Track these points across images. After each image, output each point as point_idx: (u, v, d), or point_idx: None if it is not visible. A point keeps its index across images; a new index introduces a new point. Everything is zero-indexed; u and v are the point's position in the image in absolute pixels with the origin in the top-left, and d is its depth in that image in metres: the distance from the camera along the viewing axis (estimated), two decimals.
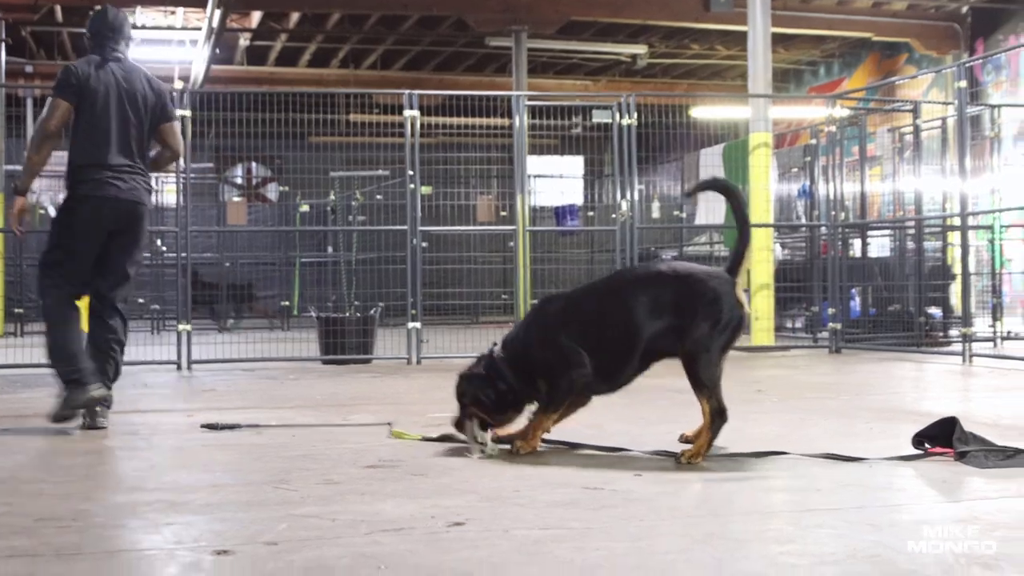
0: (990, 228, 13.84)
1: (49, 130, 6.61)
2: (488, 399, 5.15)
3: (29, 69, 22.28)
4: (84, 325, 6.57)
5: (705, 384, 4.94)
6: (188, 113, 11.05)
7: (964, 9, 19.65)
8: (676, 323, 5.01)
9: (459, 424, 5.21)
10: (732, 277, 5.07)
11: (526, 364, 5.19)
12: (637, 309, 5.08)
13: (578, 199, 22.41)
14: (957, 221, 11.59)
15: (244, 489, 4.33)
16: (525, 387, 5.19)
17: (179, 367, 10.87)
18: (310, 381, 9.52)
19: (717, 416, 4.92)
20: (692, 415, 5.05)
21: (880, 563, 3.08)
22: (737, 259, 5.14)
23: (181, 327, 11.06)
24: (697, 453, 4.85)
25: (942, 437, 4.88)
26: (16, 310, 17.56)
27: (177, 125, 6.97)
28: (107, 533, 3.55)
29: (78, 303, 6.60)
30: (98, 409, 6.31)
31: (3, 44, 18.47)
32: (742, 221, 5.26)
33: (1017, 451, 4.73)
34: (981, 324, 13.78)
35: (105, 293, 6.64)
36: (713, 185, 5.96)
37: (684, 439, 5.21)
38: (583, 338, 5.12)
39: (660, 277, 5.21)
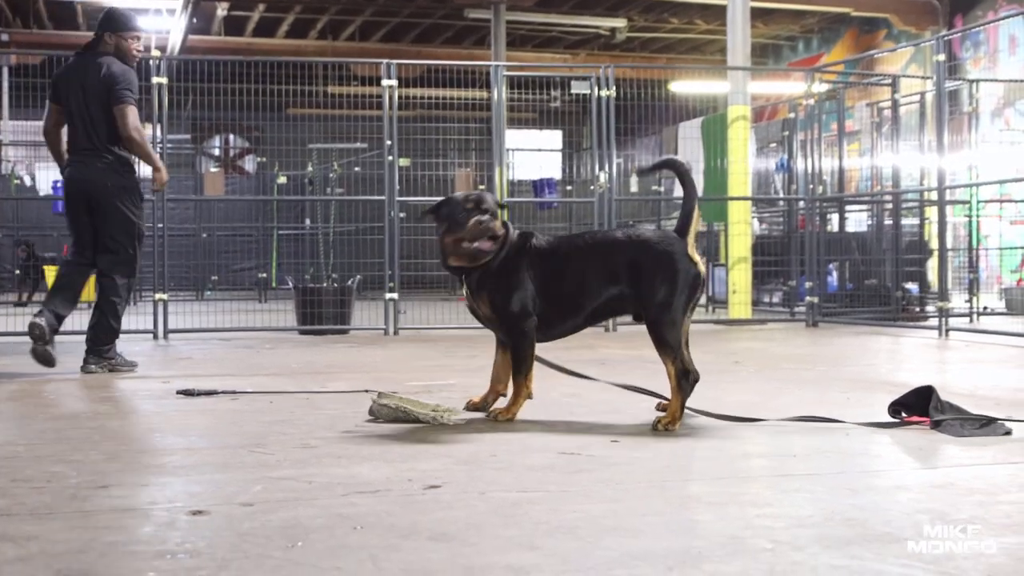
0: (967, 204, 13.88)
1: (45, 130, 7.83)
2: None
3: (4, 37, 22.13)
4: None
5: (669, 345, 4.96)
6: (164, 81, 10.98)
7: None
8: (631, 286, 5.08)
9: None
10: (683, 238, 5.10)
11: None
12: (592, 271, 5.16)
13: (556, 173, 22.41)
14: (935, 196, 11.60)
15: (220, 452, 4.31)
16: None
17: (155, 336, 10.83)
18: (286, 350, 9.50)
19: (682, 377, 4.95)
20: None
21: (856, 525, 3.08)
22: (686, 220, 5.16)
23: (157, 296, 11.02)
24: (672, 419, 4.87)
25: (918, 406, 4.89)
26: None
27: (123, 108, 7.44)
28: (81, 493, 3.52)
29: (89, 274, 7.77)
30: (37, 335, 7.16)
31: None
32: (688, 185, 5.30)
33: (991, 420, 4.74)
34: (958, 299, 13.84)
35: (98, 265, 7.62)
36: (666, 164, 5.92)
37: (661, 407, 5.23)
38: (540, 289, 5.19)
39: (615, 242, 5.22)
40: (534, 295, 5.17)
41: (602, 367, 7.42)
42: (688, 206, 5.19)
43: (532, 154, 22.06)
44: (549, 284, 5.21)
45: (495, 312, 5.21)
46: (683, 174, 5.45)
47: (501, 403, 5.30)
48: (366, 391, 5.93)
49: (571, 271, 5.21)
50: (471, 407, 5.36)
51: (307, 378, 7.06)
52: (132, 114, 7.45)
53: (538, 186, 19.01)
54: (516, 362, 5.18)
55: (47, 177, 20.22)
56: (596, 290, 5.16)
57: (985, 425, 4.68)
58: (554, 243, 5.35)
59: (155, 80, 10.96)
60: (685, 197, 5.26)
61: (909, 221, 14.55)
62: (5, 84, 21.66)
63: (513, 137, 19.94)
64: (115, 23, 7.68)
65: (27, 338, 7.33)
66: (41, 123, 7.91)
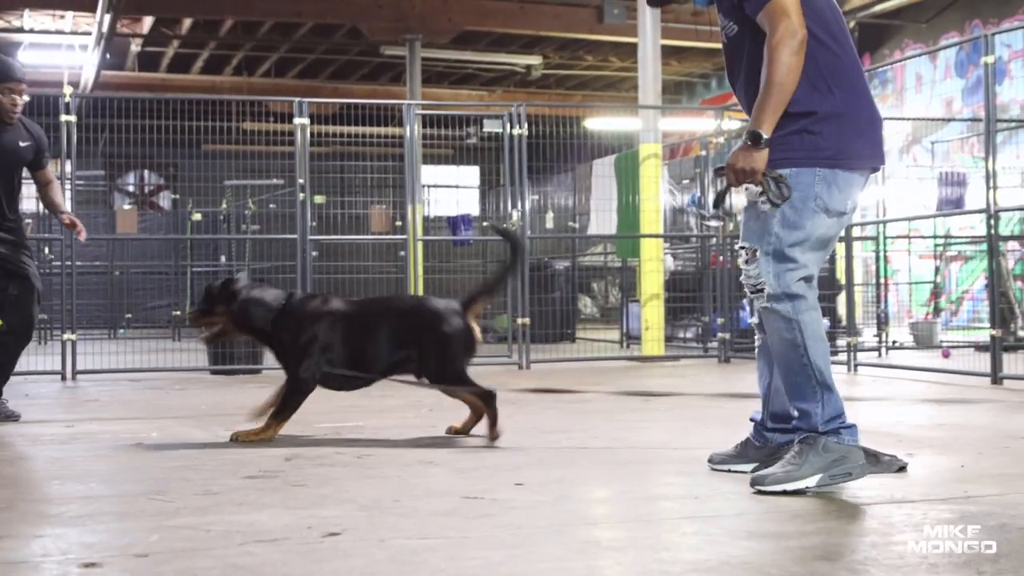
0: (875, 239, 14.07)
1: None
2: None
3: None
4: None
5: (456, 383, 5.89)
6: (73, 119, 10.87)
7: (851, 24, 19.97)
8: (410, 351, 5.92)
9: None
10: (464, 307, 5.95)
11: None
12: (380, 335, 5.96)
13: (474, 209, 22.44)
14: (843, 232, 11.76)
15: (119, 500, 4.26)
16: None
17: (63, 377, 10.67)
18: (196, 391, 9.41)
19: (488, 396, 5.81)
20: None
21: (751, 570, 3.10)
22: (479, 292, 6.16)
23: (66, 336, 10.86)
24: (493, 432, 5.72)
25: None
26: None
27: None
28: None
29: None
30: None
31: None
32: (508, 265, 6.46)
33: (883, 456, 4.75)
34: (868, 334, 14.01)
35: None
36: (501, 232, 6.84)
37: (453, 431, 6.04)
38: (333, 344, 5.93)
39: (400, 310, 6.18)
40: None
41: (513, 404, 7.42)
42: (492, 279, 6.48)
43: (449, 190, 22.05)
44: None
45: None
46: (515, 249, 6.43)
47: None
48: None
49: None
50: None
51: (214, 420, 6.99)
52: None
53: (454, 223, 19.03)
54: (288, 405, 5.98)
55: None
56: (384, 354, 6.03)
57: (879, 462, 4.71)
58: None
59: (64, 118, 10.84)
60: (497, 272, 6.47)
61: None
62: None
63: (430, 173, 19.95)
64: None
65: None
66: None
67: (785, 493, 4.18)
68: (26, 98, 7.29)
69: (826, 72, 4.29)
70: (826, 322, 13.43)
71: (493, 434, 5.70)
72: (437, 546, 3.40)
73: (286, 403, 5.91)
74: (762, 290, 4.34)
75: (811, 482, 4.19)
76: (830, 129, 4.28)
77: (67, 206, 8.01)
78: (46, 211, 9.01)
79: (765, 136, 4.20)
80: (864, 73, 4.49)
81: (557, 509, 4.01)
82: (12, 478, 4.88)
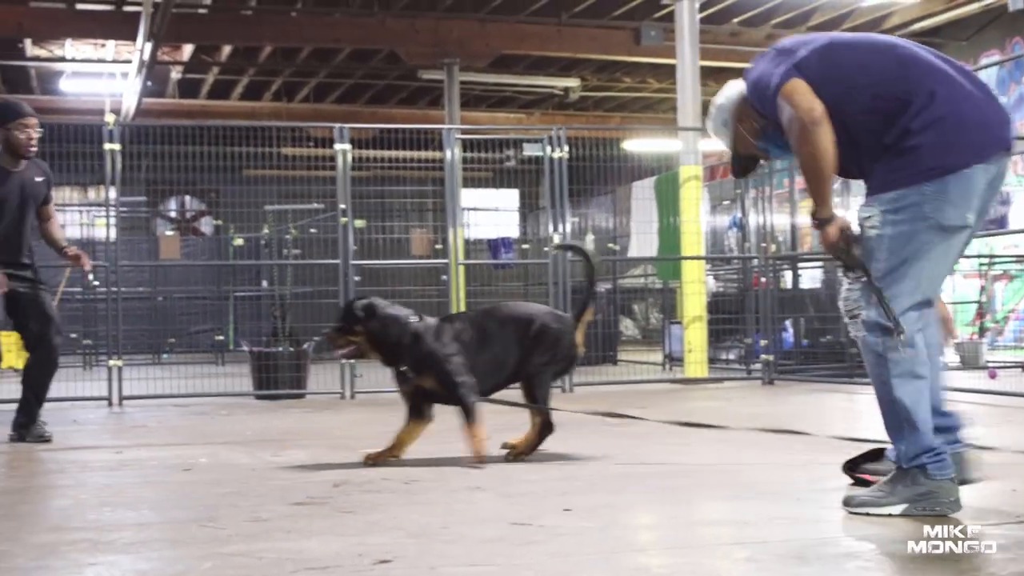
0: None
1: None
2: None
3: None
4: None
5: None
6: (118, 147, 10.95)
7: None
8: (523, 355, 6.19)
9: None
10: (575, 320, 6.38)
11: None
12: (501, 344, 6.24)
13: (513, 232, 22.48)
14: None
15: (170, 527, 4.29)
16: None
17: (110, 403, 10.74)
18: (242, 417, 9.45)
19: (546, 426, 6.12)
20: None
21: None
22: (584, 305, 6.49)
23: (112, 362, 10.94)
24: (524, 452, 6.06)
25: (870, 465, 4.91)
26: None
27: None
28: (29, 575, 3.49)
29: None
30: None
31: None
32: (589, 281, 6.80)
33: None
34: None
35: None
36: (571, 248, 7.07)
37: (507, 446, 6.20)
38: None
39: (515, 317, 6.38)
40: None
41: (559, 429, 7.41)
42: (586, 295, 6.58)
43: (488, 214, 22.10)
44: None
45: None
46: (589, 265, 6.90)
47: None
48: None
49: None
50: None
51: (261, 446, 7.02)
52: None
53: (494, 246, 19.06)
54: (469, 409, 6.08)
55: None
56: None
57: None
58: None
59: (107, 147, 10.93)
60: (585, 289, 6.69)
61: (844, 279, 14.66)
62: None
63: (469, 196, 19.97)
64: None
65: None
66: None
67: (868, 515, 4.20)
68: (40, 131, 7.52)
69: (895, 97, 4.23)
70: None
71: (518, 452, 6.07)
72: (487, 573, 3.41)
73: (469, 408, 6.01)
74: (857, 316, 4.31)
75: (895, 510, 4.19)
76: (929, 138, 4.16)
77: (64, 235, 8.13)
78: (87, 238, 9.16)
79: (822, 217, 4.27)
80: (950, 64, 4.36)
81: (605, 535, 4.01)
82: (64, 506, 4.92)
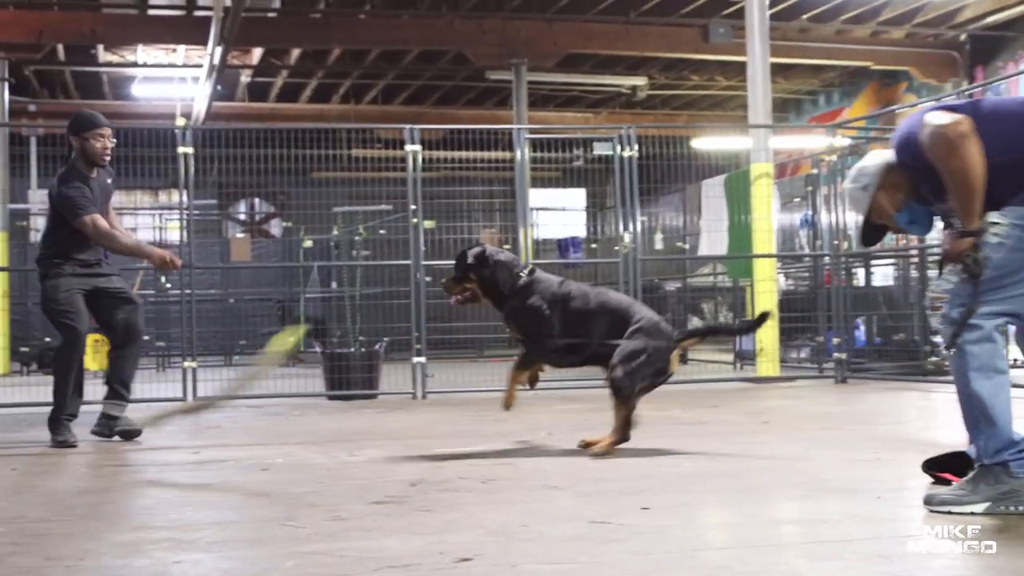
0: None
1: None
2: None
3: (32, 108, 22.37)
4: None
5: None
6: (191, 151, 11.06)
7: (963, 37, 19.69)
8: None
9: None
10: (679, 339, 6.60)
11: None
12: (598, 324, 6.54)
13: (581, 231, 22.44)
14: None
15: (251, 526, 4.33)
16: None
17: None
18: (315, 417, 9.51)
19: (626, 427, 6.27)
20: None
21: None
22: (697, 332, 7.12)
23: (186, 364, 11.06)
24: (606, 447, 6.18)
25: (951, 467, 4.86)
26: (22, 348, 17.58)
27: (78, 225, 7.52)
28: (115, 573, 3.54)
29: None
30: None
31: (6, 84, 18.53)
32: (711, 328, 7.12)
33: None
34: None
35: None
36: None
37: (585, 444, 6.39)
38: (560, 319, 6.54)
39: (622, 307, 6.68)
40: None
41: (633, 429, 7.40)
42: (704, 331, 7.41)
43: (556, 213, 22.08)
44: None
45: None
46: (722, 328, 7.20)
47: None
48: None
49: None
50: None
51: (336, 446, 7.06)
52: (88, 225, 7.50)
53: (563, 245, 19.06)
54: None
55: None
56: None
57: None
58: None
59: (180, 150, 11.05)
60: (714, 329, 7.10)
61: (936, 272, 14.48)
62: (34, 154, 21.87)
63: (537, 196, 19.98)
64: (74, 125, 7.69)
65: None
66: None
67: (951, 514, 4.16)
68: (114, 140, 7.82)
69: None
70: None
71: (597, 448, 6.21)
72: (569, 571, 3.41)
73: (526, 356, 6.56)
74: (939, 308, 4.29)
75: (977, 508, 4.15)
76: None
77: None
78: (160, 241, 9.33)
79: (969, 229, 4.22)
80: None
81: (686, 533, 4.00)
82: (146, 506, 4.98)
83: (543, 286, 6.62)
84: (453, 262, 6.98)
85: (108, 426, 7.65)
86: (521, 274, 6.65)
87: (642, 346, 6.32)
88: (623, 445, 6.18)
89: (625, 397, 6.25)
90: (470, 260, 6.65)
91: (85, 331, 7.67)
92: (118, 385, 7.73)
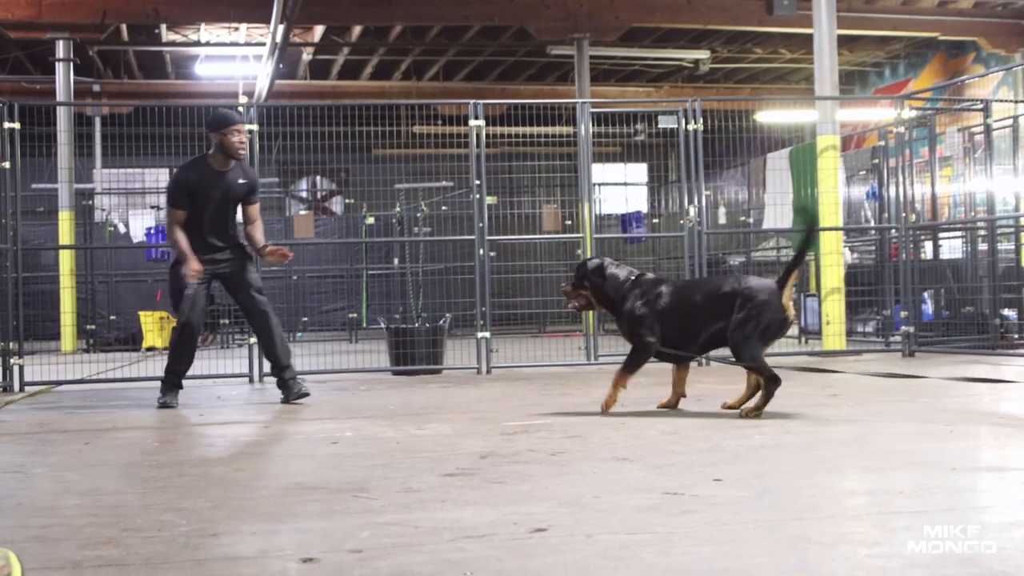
0: None
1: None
2: None
3: (96, 88, 22.58)
4: None
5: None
6: (255, 127, 11.10)
7: None
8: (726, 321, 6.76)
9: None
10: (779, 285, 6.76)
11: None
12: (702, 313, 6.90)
13: (643, 206, 22.36)
14: None
15: (325, 497, 4.34)
16: None
17: (251, 380, 10.92)
18: (381, 392, 9.55)
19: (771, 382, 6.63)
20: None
21: (970, 564, 3.03)
22: (786, 273, 6.87)
23: (252, 340, 11.13)
24: (757, 408, 6.60)
25: None
26: (88, 326, 17.78)
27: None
28: (192, 542, 3.57)
29: None
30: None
31: (71, 64, 18.71)
32: (804, 246, 7.17)
33: None
34: None
35: None
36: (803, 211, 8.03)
37: (727, 406, 6.94)
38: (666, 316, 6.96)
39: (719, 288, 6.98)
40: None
41: (698, 403, 7.38)
42: (792, 264, 6.99)
43: (618, 188, 22.00)
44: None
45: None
46: (810, 235, 7.43)
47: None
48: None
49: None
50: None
51: (405, 420, 7.09)
52: (167, 215, 8.53)
53: (625, 220, 19.02)
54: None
55: (140, 224, 20.53)
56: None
57: None
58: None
59: (245, 127, 11.08)
60: (797, 255, 7.07)
61: (1005, 246, 14.30)
62: (98, 134, 22.08)
63: (598, 171, 19.91)
64: (213, 123, 8.38)
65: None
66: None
67: None
68: (247, 138, 8.74)
69: None
70: (1014, 314, 13.08)
71: (754, 410, 6.57)
72: (646, 541, 3.40)
73: (628, 362, 6.99)
74: None
75: None
76: None
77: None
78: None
79: None
80: None
81: (761, 504, 3.97)
82: (220, 477, 5.01)
83: (641, 291, 7.03)
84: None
85: (286, 394, 8.52)
86: (628, 281, 7.11)
87: (749, 313, 6.64)
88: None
89: (753, 363, 6.66)
90: (589, 268, 7.22)
91: (196, 321, 8.38)
92: (271, 361, 8.59)
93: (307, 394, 8.55)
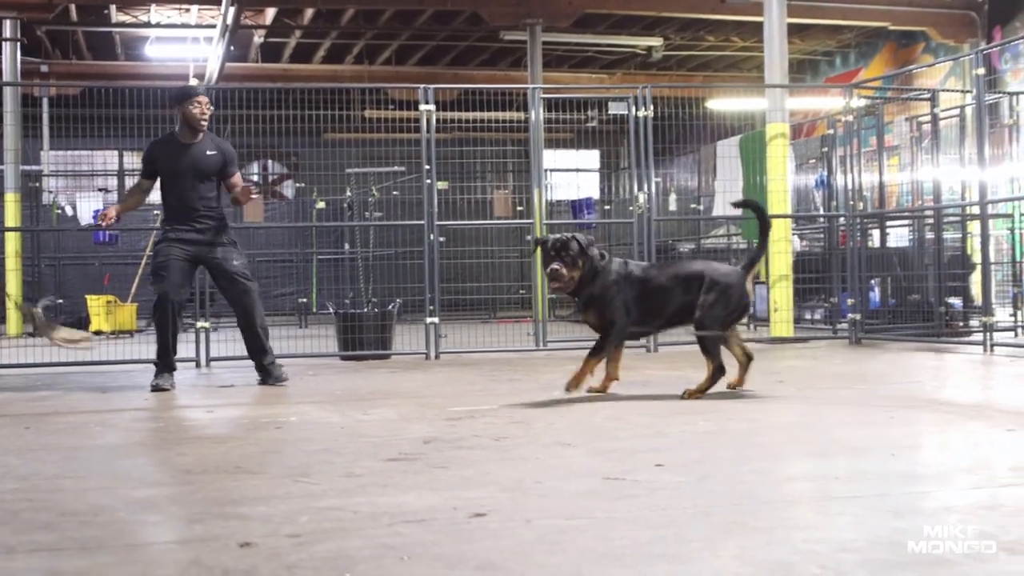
0: (1010, 217, 13.77)
1: None
2: None
3: (44, 68, 22.34)
4: None
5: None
6: None
7: None
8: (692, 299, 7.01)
9: None
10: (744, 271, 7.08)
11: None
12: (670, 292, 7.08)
13: (594, 193, 22.39)
14: (976, 210, 11.55)
15: (266, 483, 4.33)
16: None
17: (198, 364, 10.88)
18: (329, 376, 9.53)
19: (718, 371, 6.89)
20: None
21: (902, 550, 3.06)
22: (752, 261, 7.19)
23: (199, 324, 11.09)
24: (699, 391, 6.87)
25: None
26: (34, 309, 17.60)
27: None
28: (128, 527, 3.55)
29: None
30: None
31: (19, 44, 18.51)
32: (765, 234, 7.36)
33: None
34: (1002, 314, 13.71)
35: None
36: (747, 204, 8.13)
37: (731, 386, 7.20)
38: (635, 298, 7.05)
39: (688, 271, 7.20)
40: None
41: (644, 388, 7.41)
42: (758, 253, 7.25)
43: (569, 174, 22.02)
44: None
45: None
46: (764, 222, 7.42)
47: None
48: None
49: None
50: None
51: (351, 405, 7.08)
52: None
53: (576, 206, 19.03)
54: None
55: (88, 207, 20.35)
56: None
57: None
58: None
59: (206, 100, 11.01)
60: (760, 246, 7.31)
61: (951, 235, 14.42)
62: (45, 116, 21.87)
63: (550, 157, 19.91)
64: (172, 98, 8.70)
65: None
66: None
67: None
68: (211, 108, 8.69)
69: None
70: (959, 302, 13.19)
71: (693, 392, 6.85)
72: (583, 526, 3.41)
73: (601, 346, 7.03)
74: None
75: None
76: None
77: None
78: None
79: None
80: None
81: (700, 490, 3.99)
82: (162, 462, 4.99)
83: (610, 272, 7.04)
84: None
85: (263, 378, 8.72)
86: (603, 262, 7.08)
87: (718, 295, 6.90)
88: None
89: (711, 347, 6.92)
90: (583, 246, 6.98)
91: (170, 292, 8.44)
92: (250, 346, 8.74)
93: (287, 379, 8.72)
